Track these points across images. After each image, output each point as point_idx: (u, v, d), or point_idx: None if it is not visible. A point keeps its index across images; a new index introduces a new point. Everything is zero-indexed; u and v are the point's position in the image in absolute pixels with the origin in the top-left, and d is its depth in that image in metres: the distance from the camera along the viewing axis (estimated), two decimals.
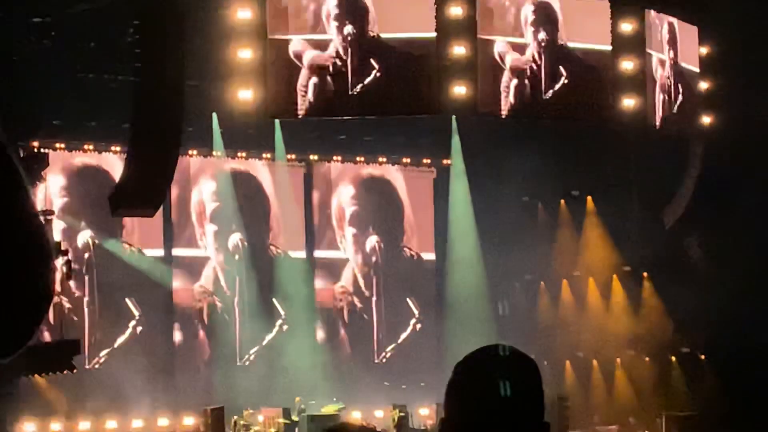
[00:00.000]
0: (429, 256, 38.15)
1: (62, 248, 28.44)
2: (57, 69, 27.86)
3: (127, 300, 33.04)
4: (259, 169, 35.93)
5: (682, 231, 33.86)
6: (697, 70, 32.33)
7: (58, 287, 31.88)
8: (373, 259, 37.43)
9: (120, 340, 32.43)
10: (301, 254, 36.27)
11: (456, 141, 35.32)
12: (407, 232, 38.21)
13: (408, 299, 36.96)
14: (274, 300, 35.14)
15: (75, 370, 26.29)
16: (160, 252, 34.16)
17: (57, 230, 30.96)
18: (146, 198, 26.95)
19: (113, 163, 31.89)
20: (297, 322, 34.96)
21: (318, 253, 36.82)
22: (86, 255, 32.94)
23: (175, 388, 31.00)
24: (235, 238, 35.04)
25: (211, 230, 35.08)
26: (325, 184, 37.03)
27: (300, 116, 28.84)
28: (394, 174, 37.88)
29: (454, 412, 2.73)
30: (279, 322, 35.09)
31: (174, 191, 33.42)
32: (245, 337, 34.01)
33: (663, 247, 33.28)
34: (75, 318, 32.23)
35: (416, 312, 36.94)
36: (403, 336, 36.65)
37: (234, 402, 30.56)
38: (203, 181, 34.99)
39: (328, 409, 31.34)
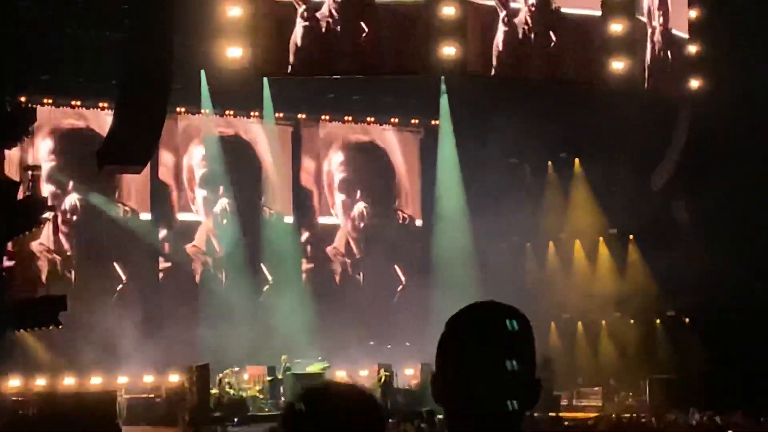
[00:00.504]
0: (416, 218, 38.41)
1: (48, 204, 28.40)
2: (46, 25, 27.73)
3: (114, 263, 33.18)
4: (248, 131, 36.04)
5: (669, 194, 33.90)
6: (686, 35, 32.30)
7: (46, 243, 32.03)
8: (361, 224, 37.66)
9: (107, 299, 32.44)
10: (290, 218, 36.51)
11: (444, 101, 35.32)
12: (400, 195, 38.46)
13: (395, 262, 37.08)
14: (262, 263, 35.38)
15: (61, 326, 26.27)
16: (148, 215, 34.43)
17: (46, 193, 30.96)
18: (134, 154, 26.90)
19: (102, 124, 31.81)
20: (285, 284, 35.12)
21: (307, 218, 37.17)
22: (74, 217, 32.99)
23: (162, 347, 30.98)
24: (224, 203, 35.25)
25: (200, 195, 35.33)
26: (314, 148, 37.16)
27: (290, 75, 28.78)
28: (385, 139, 38.02)
29: (445, 366, 2.73)
30: (266, 284, 35.27)
31: (164, 156, 33.63)
32: (233, 297, 34.06)
33: (650, 210, 33.31)
34: (64, 276, 32.38)
35: (402, 276, 37.06)
36: (390, 298, 36.74)
37: (220, 360, 30.58)
38: (192, 146, 35.14)
39: (313, 368, 31.41)
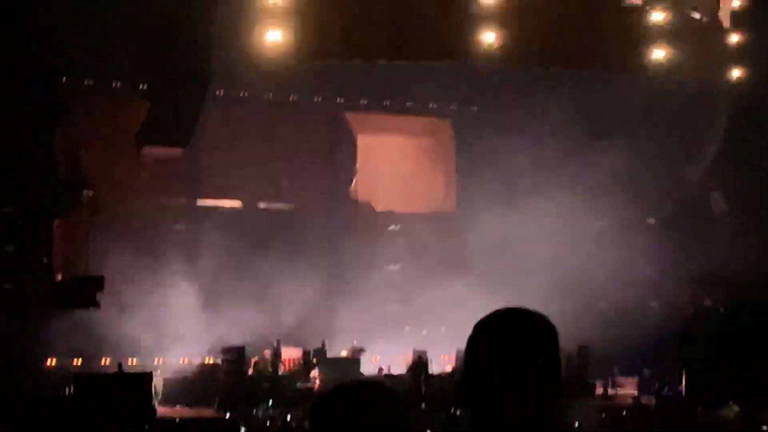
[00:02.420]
0: (452, 208, 38.54)
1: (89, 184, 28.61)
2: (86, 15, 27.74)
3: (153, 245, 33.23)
4: (286, 118, 36.27)
5: (706, 184, 33.71)
6: (728, 24, 32.15)
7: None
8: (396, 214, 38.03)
9: (145, 281, 32.49)
10: (325, 212, 36.85)
11: (481, 87, 35.23)
12: (437, 187, 38.59)
13: (431, 252, 36.93)
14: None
15: (99, 307, 26.44)
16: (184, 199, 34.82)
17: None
18: (173, 136, 27.06)
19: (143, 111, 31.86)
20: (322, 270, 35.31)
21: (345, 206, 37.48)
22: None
23: (198, 328, 31.10)
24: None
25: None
26: (352, 135, 37.36)
27: (327, 60, 28.83)
28: (421, 128, 38.10)
29: (471, 369, 2.77)
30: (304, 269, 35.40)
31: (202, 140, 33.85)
32: (270, 281, 34.11)
33: (687, 199, 33.16)
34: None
35: (438, 266, 36.94)
36: (426, 287, 36.68)
37: (256, 343, 30.64)
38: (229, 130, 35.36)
39: (347, 353, 31.48)
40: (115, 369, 28.91)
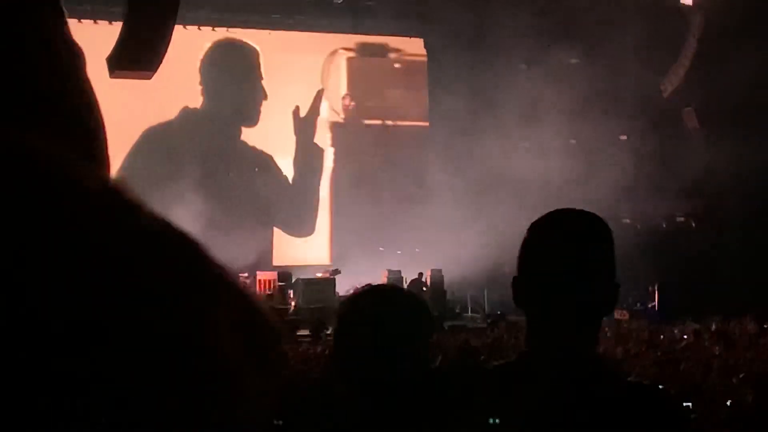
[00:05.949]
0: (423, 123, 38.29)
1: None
2: None
3: None
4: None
5: (679, 99, 33.75)
6: None
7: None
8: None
9: None
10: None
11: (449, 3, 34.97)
12: (402, 105, 38.28)
13: (398, 173, 36.86)
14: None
15: None
16: None
17: None
18: (144, 60, 26.79)
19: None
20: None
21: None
22: None
23: None
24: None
25: None
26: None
27: None
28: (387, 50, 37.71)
29: (526, 271, 2.79)
30: None
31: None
32: (243, 205, 34.04)
33: (660, 114, 33.18)
34: None
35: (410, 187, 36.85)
36: (400, 208, 36.63)
37: (231, 266, 30.55)
38: None
39: (323, 274, 31.57)
40: None
